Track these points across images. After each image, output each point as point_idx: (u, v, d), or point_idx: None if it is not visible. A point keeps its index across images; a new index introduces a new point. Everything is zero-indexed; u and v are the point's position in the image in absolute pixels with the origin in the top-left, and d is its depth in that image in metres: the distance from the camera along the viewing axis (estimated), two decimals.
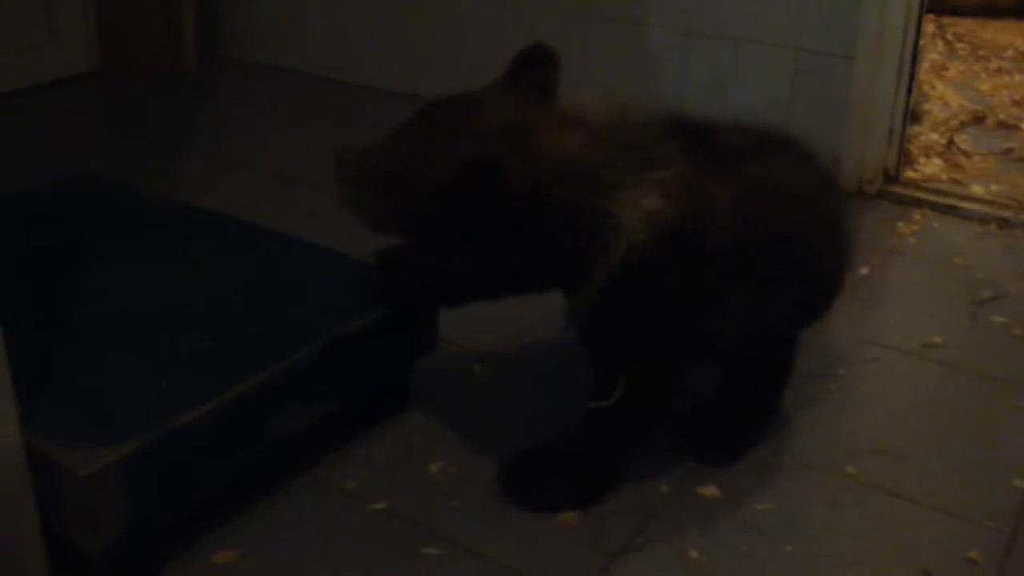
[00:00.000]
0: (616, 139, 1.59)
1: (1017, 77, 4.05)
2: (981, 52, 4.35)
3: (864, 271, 2.53)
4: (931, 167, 3.11)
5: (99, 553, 1.52)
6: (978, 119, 3.55)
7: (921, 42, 2.93)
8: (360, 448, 1.85)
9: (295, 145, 3.21)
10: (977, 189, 3.00)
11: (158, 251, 2.04)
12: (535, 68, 1.66)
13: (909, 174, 3.04)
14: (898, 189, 2.95)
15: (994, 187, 3.02)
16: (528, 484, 1.75)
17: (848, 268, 1.89)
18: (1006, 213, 2.84)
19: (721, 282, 1.62)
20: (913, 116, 3.17)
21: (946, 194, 2.94)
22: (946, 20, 4.68)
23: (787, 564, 1.64)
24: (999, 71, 4.12)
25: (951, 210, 2.87)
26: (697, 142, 1.64)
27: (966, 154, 3.25)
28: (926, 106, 3.55)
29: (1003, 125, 3.52)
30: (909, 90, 2.90)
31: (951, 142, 3.30)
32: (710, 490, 1.79)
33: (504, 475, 1.76)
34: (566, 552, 1.66)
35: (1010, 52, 4.36)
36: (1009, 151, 3.30)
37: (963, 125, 3.49)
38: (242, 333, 1.77)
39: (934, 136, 3.33)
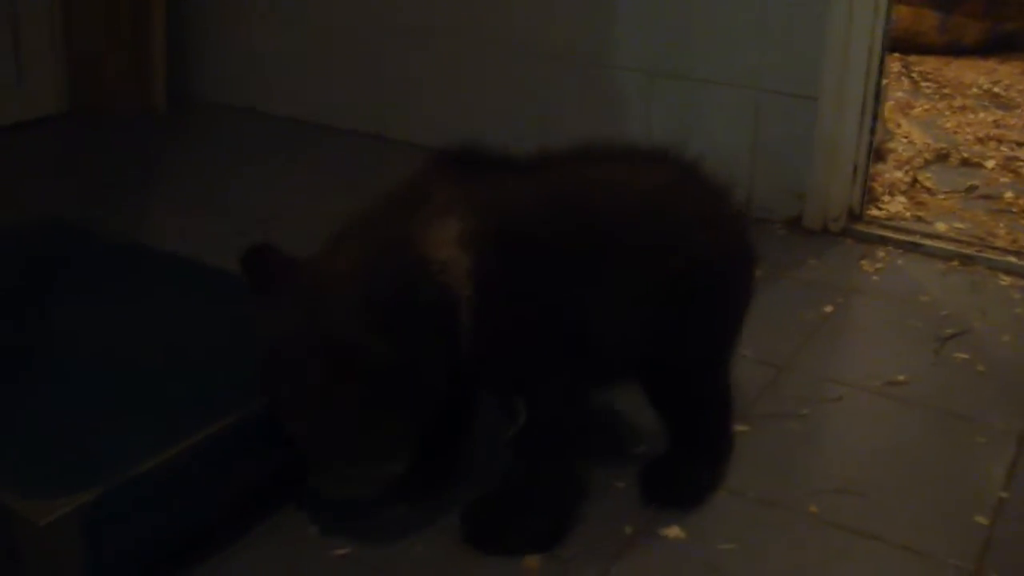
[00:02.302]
0: (378, 219, 1.66)
1: (981, 115, 4.10)
2: (946, 90, 4.40)
3: (828, 309, 2.54)
4: (895, 205, 3.14)
5: None
6: (942, 157, 3.59)
7: (885, 81, 2.97)
8: None
9: (265, 188, 3.22)
10: (941, 226, 3.02)
11: (122, 296, 2.04)
12: (262, 264, 1.70)
13: (873, 212, 3.06)
14: (862, 227, 2.97)
15: (958, 225, 3.05)
16: (491, 529, 1.73)
17: (740, 276, 1.83)
18: (969, 250, 2.86)
19: (560, 277, 1.63)
20: (877, 154, 3.21)
21: (910, 232, 2.96)
22: (912, 59, 4.74)
23: None
24: (963, 109, 4.17)
25: (915, 248, 2.90)
26: (480, 161, 1.70)
27: (930, 192, 3.28)
28: (890, 144, 3.59)
29: (967, 163, 3.56)
30: (873, 129, 2.93)
31: (915, 180, 3.33)
32: (674, 531, 1.79)
33: (467, 521, 1.75)
34: None
35: (974, 90, 4.42)
36: (972, 188, 3.33)
37: (927, 163, 3.52)
38: (205, 379, 1.77)
39: (898, 174, 3.36)
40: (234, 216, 2.99)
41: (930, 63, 4.73)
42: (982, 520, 1.85)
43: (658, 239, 1.71)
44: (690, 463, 1.88)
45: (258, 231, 2.86)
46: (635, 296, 1.69)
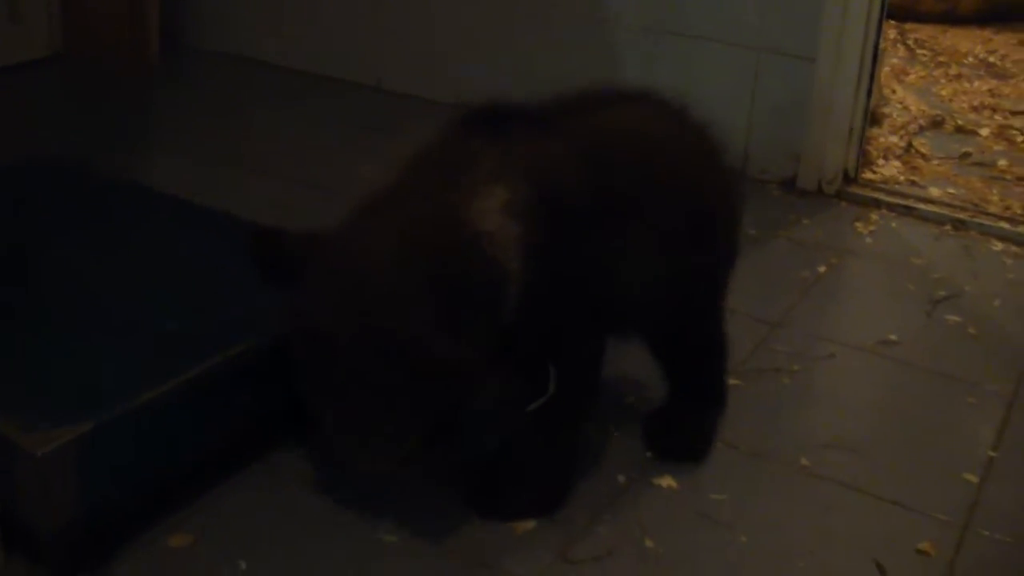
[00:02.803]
0: (417, 188, 1.56)
1: (976, 83, 4.10)
2: (941, 58, 4.39)
3: (821, 269, 2.55)
4: (889, 169, 3.15)
5: (53, 534, 1.51)
6: (937, 123, 3.59)
7: (882, 46, 2.96)
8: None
9: (256, 135, 3.20)
10: (934, 191, 3.04)
11: (118, 233, 2.03)
12: (273, 247, 1.60)
13: (868, 175, 3.07)
14: (856, 190, 2.98)
15: (951, 190, 3.06)
16: (494, 496, 1.72)
17: (736, 215, 1.85)
18: (962, 215, 2.87)
19: (597, 238, 1.60)
20: (873, 119, 3.21)
21: (904, 196, 2.97)
22: (908, 26, 4.73)
23: (741, 554, 1.66)
24: (959, 77, 4.17)
25: (908, 211, 2.91)
26: (505, 119, 1.63)
27: (924, 157, 3.28)
28: (886, 109, 3.59)
29: (961, 130, 3.57)
30: (869, 92, 2.93)
31: (910, 145, 3.33)
32: (666, 481, 1.80)
33: (469, 486, 1.74)
34: (524, 539, 1.67)
35: (970, 59, 4.41)
36: (966, 155, 3.34)
37: (922, 129, 3.53)
38: (200, 317, 1.77)
39: (893, 139, 3.37)
40: (225, 161, 2.98)
41: (926, 31, 4.72)
42: (971, 478, 1.86)
43: (676, 189, 1.72)
44: (692, 413, 1.89)
45: (247, 178, 2.86)
46: (656, 246, 1.68)
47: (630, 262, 1.66)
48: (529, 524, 1.69)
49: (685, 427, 1.89)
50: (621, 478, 1.80)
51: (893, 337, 2.28)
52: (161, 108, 3.41)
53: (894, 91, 3.87)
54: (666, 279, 1.73)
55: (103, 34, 3.69)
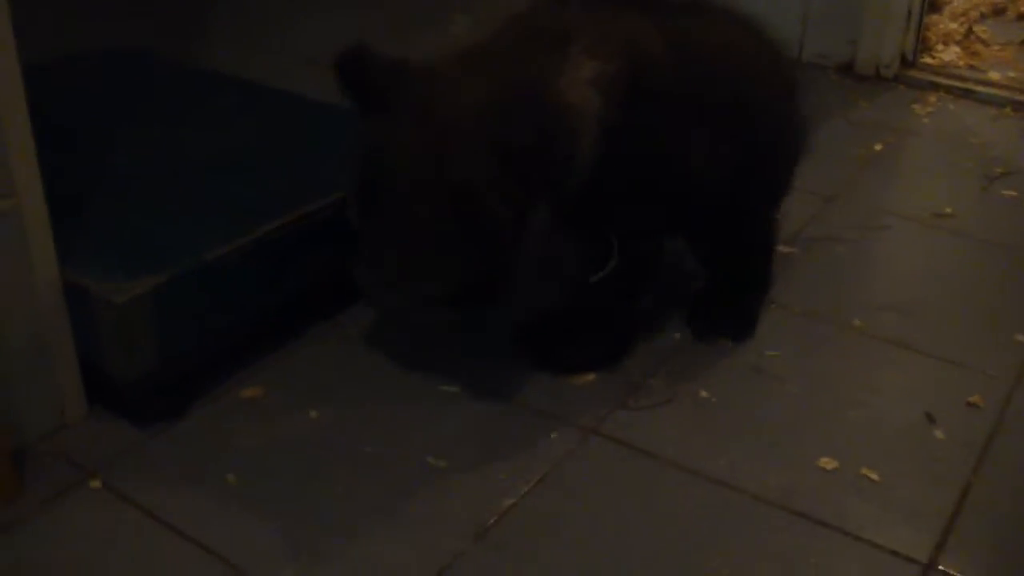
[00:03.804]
0: (509, 53, 1.56)
1: None
2: None
3: (878, 147, 2.56)
4: (949, 54, 3.13)
5: (133, 382, 1.58)
6: (999, 11, 3.55)
7: None
8: None
9: (321, 29, 3.24)
10: (994, 75, 3.02)
11: (187, 112, 2.10)
12: (362, 69, 1.55)
13: (926, 60, 3.05)
14: (915, 74, 2.97)
15: (1011, 74, 3.04)
16: (555, 350, 1.78)
17: (802, 129, 1.86)
18: (1022, 97, 2.85)
19: (675, 126, 1.62)
20: (933, 6, 3.19)
21: (963, 79, 2.96)
22: None
23: (793, 404, 1.70)
24: None
25: (967, 94, 2.90)
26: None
27: (984, 43, 3.25)
28: None
29: None
30: None
31: (970, 31, 3.30)
32: (721, 339, 1.85)
33: (530, 342, 1.79)
34: (585, 390, 1.72)
35: None
36: None
37: (983, 16, 3.49)
38: (269, 182, 1.83)
39: (953, 26, 3.33)
40: (289, 53, 3.02)
41: None
42: (1022, 338, 1.89)
43: (746, 87, 1.72)
44: (735, 298, 1.91)
45: (311, 70, 2.90)
46: (724, 139, 1.69)
47: (699, 151, 1.67)
48: (589, 377, 1.75)
49: (727, 310, 1.90)
50: (677, 335, 1.85)
51: (948, 210, 2.29)
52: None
53: None
54: (730, 172, 1.73)
55: None
